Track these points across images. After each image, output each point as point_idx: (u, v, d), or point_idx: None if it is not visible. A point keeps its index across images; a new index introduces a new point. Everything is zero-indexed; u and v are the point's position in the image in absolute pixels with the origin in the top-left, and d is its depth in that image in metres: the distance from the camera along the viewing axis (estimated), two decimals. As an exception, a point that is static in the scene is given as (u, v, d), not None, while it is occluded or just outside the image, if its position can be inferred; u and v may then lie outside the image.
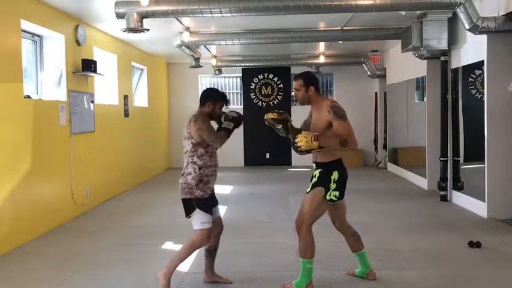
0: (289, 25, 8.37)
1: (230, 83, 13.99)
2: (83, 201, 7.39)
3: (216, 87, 4.48)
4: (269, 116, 3.96)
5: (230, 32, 8.70)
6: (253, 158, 13.52)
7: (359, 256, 4.25)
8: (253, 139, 13.39)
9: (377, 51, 11.73)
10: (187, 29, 8.37)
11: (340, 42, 9.52)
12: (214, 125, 4.13)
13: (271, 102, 13.56)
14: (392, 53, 11.37)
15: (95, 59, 7.92)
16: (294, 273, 4.28)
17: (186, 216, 3.99)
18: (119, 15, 6.16)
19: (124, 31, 6.30)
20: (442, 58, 7.78)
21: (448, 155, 7.85)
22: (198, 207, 3.92)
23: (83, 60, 7.36)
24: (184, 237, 4.41)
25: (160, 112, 12.82)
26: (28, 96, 6.19)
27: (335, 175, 3.91)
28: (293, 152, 4.00)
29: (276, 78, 13.56)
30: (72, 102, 7.11)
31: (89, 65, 7.36)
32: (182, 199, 3.98)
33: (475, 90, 7.57)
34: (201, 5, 6.06)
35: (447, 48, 7.45)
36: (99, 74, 7.76)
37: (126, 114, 9.78)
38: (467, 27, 6.20)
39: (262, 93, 13.59)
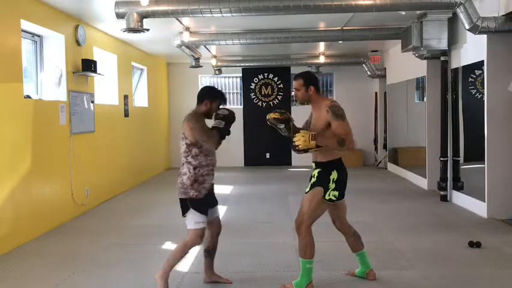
0: (289, 25, 8.37)
1: (230, 83, 13.99)
2: (83, 201, 7.39)
3: (213, 86, 4.44)
4: (271, 116, 3.94)
5: (230, 32, 8.69)
6: (253, 158, 13.52)
7: (359, 256, 4.25)
8: (253, 139, 13.39)
9: (377, 51, 11.73)
10: (187, 29, 8.37)
11: (340, 42, 9.52)
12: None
13: (271, 102, 13.56)
14: (392, 53, 11.37)
15: (95, 59, 7.92)
16: (294, 273, 4.28)
17: (182, 215, 3.99)
18: (119, 15, 6.16)
19: (124, 31, 6.30)
20: (442, 58, 7.78)
21: (448, 155, 7.85)
22: (192, 207, 3.92)
23: (83, 60, 7.36)
24: (184, 237, 4.39)
25: (160, 112, 12.83)
26: (28, 96, 6.19)
27: (334, 175, 3.90)
28: (293, 152, 4.00)
29: (276, 78, 13.56)
30: (72, 102, 7.11)
31: (89, 65, 7.36)
32: (179, 199, 3.99)
33: (475, 90, 7.57)
34: (201, 5, 6.06)
35: (447, 48, 7.45)
36: (99, 74, 7.76)
37: (126, 114, 9.78)
38: (467, 27, 6.20)
39: (262, 93, 13.59)
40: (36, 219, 6.01)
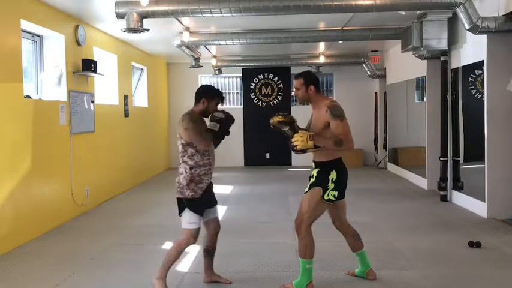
0: (289, 25, 8.37)
1: (230, 83, 13.99)
2: (83, 201, 7.39)
3: (211, 85, 4.42)
4: (274, 120, 3.93)
5: (230, 32, 8.69)
6: (253, 158, 13.52)
7: (359, 256, 4.25)
8: (253, 139, 13.39)
9: (377, 51, 11.73)
10: (187, 29, 8.37)
11: (340, 42, 9.52)
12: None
13: (271, 102, 13.56)
14: (392, 53, 11.37)
15: (95, 59, 7.92)
16: (293, 273, 4.28)
17: (179, 214, 3.99)
18: (119, 15, 6.16)
19: (124, 31, 6.30)
20: (442, 58, 7.78)
21: (448, 155, 7.85)
22: (187, 207, 3.91)
23: (83, 60, 7.36)
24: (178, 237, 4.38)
25: (160, 112, 12.83)
26: (28, 96, 6.19)
27: (333, 175, 3.89)
28: (293, 152, 4.00)
29: (276, 78, 13.56)
30: (72, 102, 7.11)
31: (89, 65, 7.36)
32: (176, 198, 3.99)
33: (475, 90, 7.57)
34: (201, 5, 6.06)
35: (447, 48, 7.45)
36: (99, 74, 7.76)
37: (126, 114, 9.78)
38: (467, 27, 6.20)
39: (262, 93, 13.59)
40: (36, 219, 6.01)
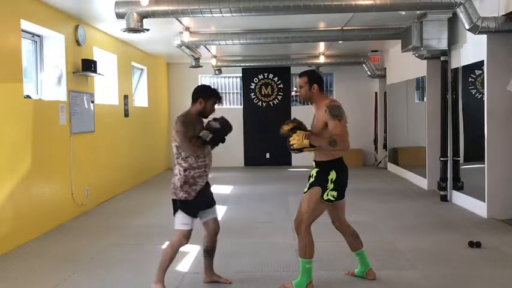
0: (289, 25, 8.37)
1: (230, 83, 13.99)
2: (83, 201, 7.39)
3: (208, 84, 4.37)
4: (284, 129, 3.94)
5: (230, 32, 8.69)
6: (253, 158, 13.52)
7: (358, 255, 4.25)
8: (253, 139, 13.39)
9: (377, 51, 11.73)
10: (187, 29, 8.38)
11: (340, 42, 9.52)
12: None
13: (271, 102, 13.55)
14: (392, 53, 11.37)
15: (95, 59, 7.92)
16: (293, 273, 4.28)
17: (173, 215, 3.99)
18: (119, 15, 6.16)
19: (124, 31, 6.30)
20: (442, 58, 7.78)
21: (448, 155, 7.85)
22: (180, 208, 3.91)
23: (83, 60, 7.36)
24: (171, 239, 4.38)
25: (160, 112, 12.83)
26: (28, 96, 6.19)
27: (332, 175, 3.89)
28: (291, 151, 4.00)
29: (276, 78, 13.55)
30: (72, 102, 7.11)
31: (89, 65, 7.36)
32: (171, 199, 3.99)
33: (475, 90, 7.57)
34: (201, 5, 6.06)
35: (447, 48, 7.45)
36: (99, 74, 7.76)
37: (126, 114, 9.78)
38: (467, 27, 6.20)
39: (262, 93, 13.58)
40: (36, 219, 6.01)
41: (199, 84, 4.26)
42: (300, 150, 3.87)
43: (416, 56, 8.61)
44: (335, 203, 4.00)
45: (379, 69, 12.11)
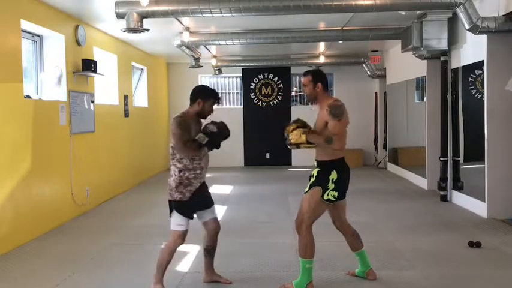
0: (289, 25, 8.37)
1: (230, 83, 13.99)
2: (83, 201, 7.39)
3: (207, 85, 4.35)
4: (289, 130, 3.94)
5: (230, 32, 8.69)
6: (253, 158, 13.52)
7: (358, 255, 4.25)
8: (253, 139, 13.38)
9: (377, 51, 11.73)
10: (187, 29, 8.37)
11: (340, 42, 9.52)
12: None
13: (271, 102, 13.55)
14: (392, 53, 11.37)
15: (95, 59, 7.92)
16: (293, 273, 4.28)
17: (169, 215, 4.00)
18: (119, 15, 6.16)
19: (124, 31, 6.30)
20: (442, 58, 7.78)
21: (448, 155, 7.85)
22: (175, 209, 3.93)
23: (83, 60, 7.36)
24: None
25: (160, 112, 12.83)
26: (28, 96, 6.19)
27: (333, 175, 3.89)
28: (293, 151, 4.02)
29: (276, 78, 13.55)
30: (72, 102, 7.11)
31: (89, 65, 7.36)
32: (167, 199, 3.99)
33: (475, 90, 7.57)
34: (201, 5, 6.06)
35: (447, 48, 7.45)
36: (99, 74, 7.76)
37: (126, 114, 9.78)
38: (467, 27, 6.20)
39: (262, 93, 13.58)
40: (36, 219, 6.01)
41: (198, 85, 4.23)
42: (297, 146, 3.89)
43: (416, 56, 8.61)
44: (336, 203, 4.00)
45: (379, 69, 12.11)
